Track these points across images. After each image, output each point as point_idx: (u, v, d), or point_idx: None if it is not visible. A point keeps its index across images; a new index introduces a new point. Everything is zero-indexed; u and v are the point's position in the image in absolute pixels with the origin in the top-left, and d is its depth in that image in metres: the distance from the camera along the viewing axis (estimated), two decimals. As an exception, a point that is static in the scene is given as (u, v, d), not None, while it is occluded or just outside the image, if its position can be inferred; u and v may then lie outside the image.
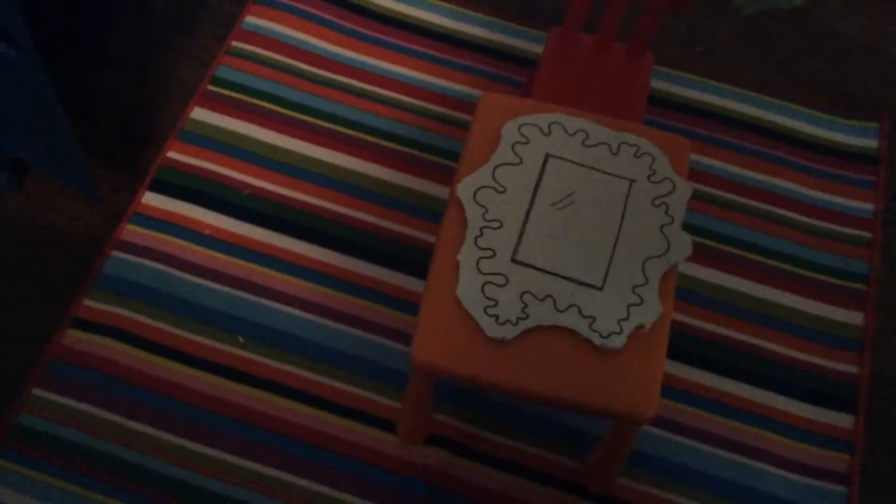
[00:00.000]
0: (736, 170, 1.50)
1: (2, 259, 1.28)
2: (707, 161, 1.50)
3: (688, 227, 1.40)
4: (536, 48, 1.56)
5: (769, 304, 1.39)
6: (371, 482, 1.22)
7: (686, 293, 1.36)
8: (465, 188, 1.13)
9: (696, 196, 1.40)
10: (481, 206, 1.11)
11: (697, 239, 1.40)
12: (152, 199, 1.38)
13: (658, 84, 1.57)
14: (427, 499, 1.19)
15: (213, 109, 1.46)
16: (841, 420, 1.31)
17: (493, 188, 1.13)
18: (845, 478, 1.27)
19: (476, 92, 1.43)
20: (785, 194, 1.48)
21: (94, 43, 1.42)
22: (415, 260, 1.36)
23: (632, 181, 1.14)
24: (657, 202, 1.14)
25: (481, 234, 1.09)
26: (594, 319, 1.05)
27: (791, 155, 1.53)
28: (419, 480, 1.22)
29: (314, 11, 1.55)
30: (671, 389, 1.31)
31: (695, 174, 1.46)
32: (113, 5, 1.42)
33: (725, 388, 1.33)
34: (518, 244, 1.10)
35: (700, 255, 1.39)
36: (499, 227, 1.11)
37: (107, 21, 1.43)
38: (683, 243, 1.11)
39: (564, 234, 1.11)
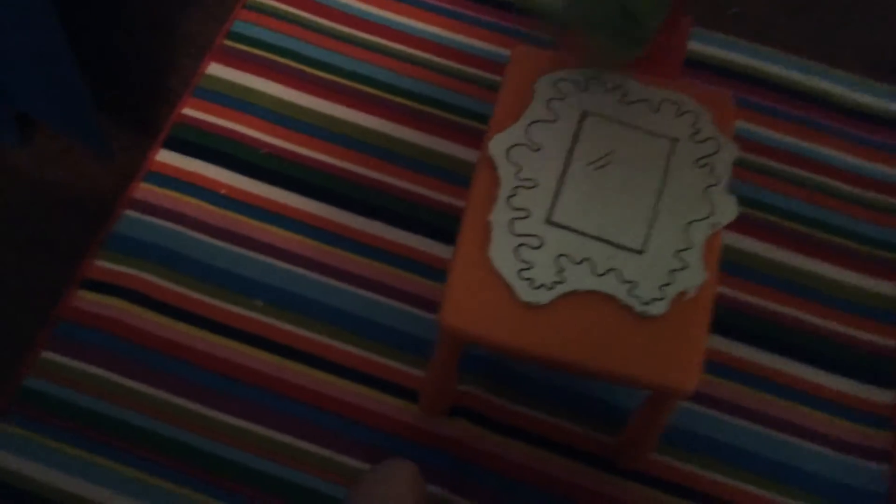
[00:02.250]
0: (777, 136, 1.43)
1: (8, 218, 1.23)
2: (747, 126, 1.43)
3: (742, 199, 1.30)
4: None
5: (812, 275, 1.33)
6: (391, 453, 1.16)
7: (726, 264, 1.29)
8: (497, 145, 1.07)
9: (737, 163, 1.33)
10: (514, 164, 1.05)
11: (745, 210, 1.32)
12: (166, 157, 1.32)
13: (694, 45, 1.50)
14: (451, 471, 1.14)
15: (230, 65, 1.40)
16: (882, 396, 1.24)
17: (527, 146, 1.07)
18: (886, 454, 1.22)
19: (504, 51, 1.36)
20: (828, 162, 1.42)
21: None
22: (441, 224, 1.30)
23: (674, 140, 1.08)
24: (701, 162, 1.08)
25: (514, 194, 1.03)
26: (634, 284, 0.99)
27: (833, 121, 1.46)
28: (443, 452, 1.16)
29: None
30: (709, 363, 1.25)
31: (735, 140, 1.38)
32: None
33: (765, 363, 1.27)
34: (554, 204, 1.03)
35: (740, 223, 1.32)
36: (533, 187, 1.04)
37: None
38: (729, 205, 1.05)
39: (603, 194, 1.05)
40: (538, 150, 1.08)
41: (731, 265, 1.34)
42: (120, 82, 1.34)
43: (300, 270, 1.27)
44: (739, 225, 1.29)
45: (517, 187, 1.05)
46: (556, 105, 1.11)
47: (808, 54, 1.53)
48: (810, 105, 1.47)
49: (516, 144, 1.08)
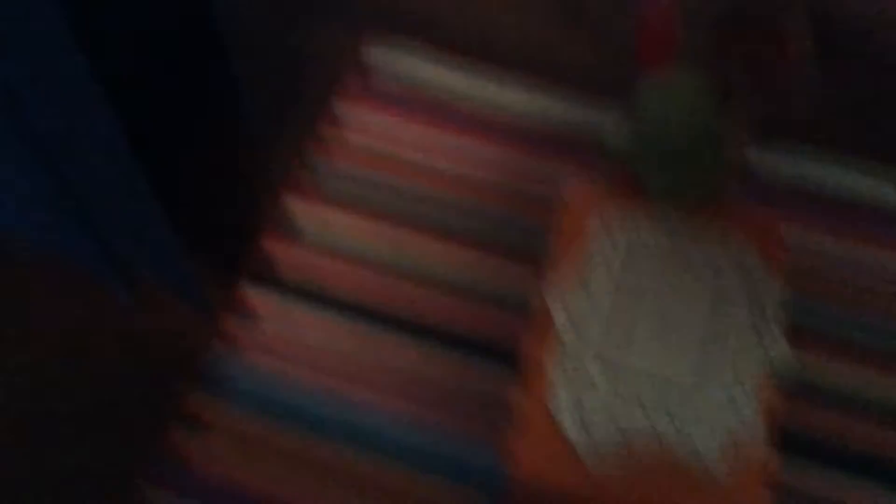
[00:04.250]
0: (829, 245, 1.42)
1: (114, 363, 1.33)
2: (801, 236, 1.42)
3: (798, 313, 1.32)
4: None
5: (872, 388, 1.30)
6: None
7: (797, 385, 1.30)
8: (550, 287, 1.09)
9: (795, 276, 1.34)
10: (567, 305, 1.08)
11: (805, 324, 1.33)
12: (252, 295, 1.39)
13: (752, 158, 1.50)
14: None
15: (308, 200, 1.47)
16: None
17: (580, 284, 1.09)
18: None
19: (563, 169, 1.38)
20: (882, 269, 1.39)
21: (191, 142, 1.47)
22: (506, 352, 1.32)
23: (722, 274, 1.10)
24: (748, 292, 1.10)
25: (569, 334, 1.06)
26: (687, 424, 1.01)
27: (890, 226, 1.43)
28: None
29: (400, 95, 1.57)
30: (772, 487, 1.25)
31: (790, 255, 1.40)
32: (209, 103, 1.45)
33: (836, 484, 1.25)
34: (606, 342, 1.06)
35: (798, 339, 1.32)
36: (586, 326, 1.07)
37: (203, 117, 1.47)
38: (779, 340, 1.07)
39: (653, 330, 1.07)
40: (590, 287, 1.11)
41: (789, 381, 1.31)
42: (209, 225, 1.44)
43: (378, 409, 1.30)
44: (798, 340, 1.28)
45: (571, 326, 1.07)
46: (606, 242, 1.14)
47: (861, 157, 1.51)
48: (864, 210, 1.45)
49: (570, 283, 1.11)
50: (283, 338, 1.36)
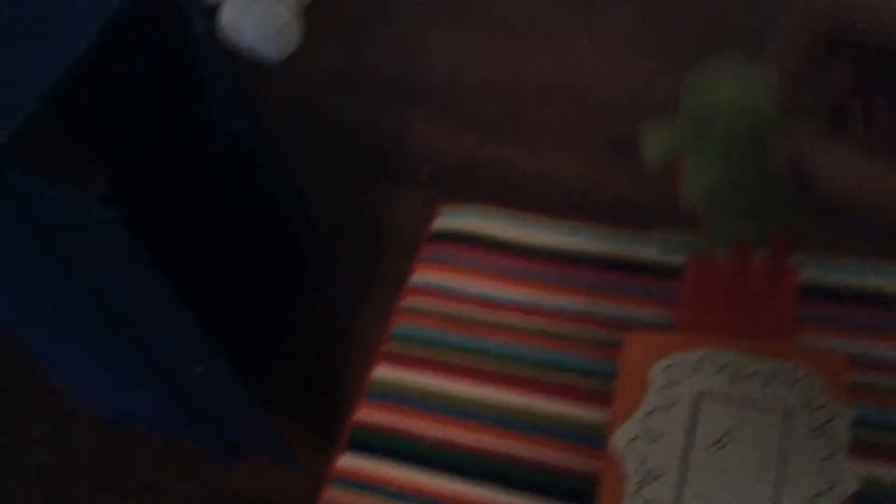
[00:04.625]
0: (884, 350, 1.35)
1: None
2: (872, 348, 1.36)
3: (860, 421, 1.24)
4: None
5: None
6: None
7: (870, 496, 1.26)
8: (618, 439, 1.14)
9: (866, 388, 1.32)
10: (637, 456, 1.12)
11: (873, 433, 1.26)
12: (348, 461, 1.47)
13: (808, 273, 1.46)
14: None
15: (394, 366, 1.56)
16: None
17: (647, 436, 1.14)
18: None
19: (636, 312, 1.43)
20: None
21: (282, 320, 1.60)
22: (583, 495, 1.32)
23: (789, 411, 1.13)
24: (817, 432, 1.12)
25: (641, 487, 1.10)
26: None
27: None
28: None
29: (472, 257, 1.67)
30: None
31: (860, 365, 1.33)
32: (302, 284, 1.59)
33: None
34: (680, 493, 1.09)
35: (879, 451, 1.29)
36: (658, 477, 1.11)
37: (292, 299, 1.60)
38: (851, 475, 1.08)
39: (725, 477, 1.10)
40: (658, 439, 1.15)
41: (877, 496, 1.28)
42: (303, 393, 1.56)
43: None
44: (879, 452, 1.22)
45: (642, 480, 1.12)
46: (670, 391, 1.19)
47: None
48: None
49: (637, 436, 1.15)
50: (381, 500, 1.43)
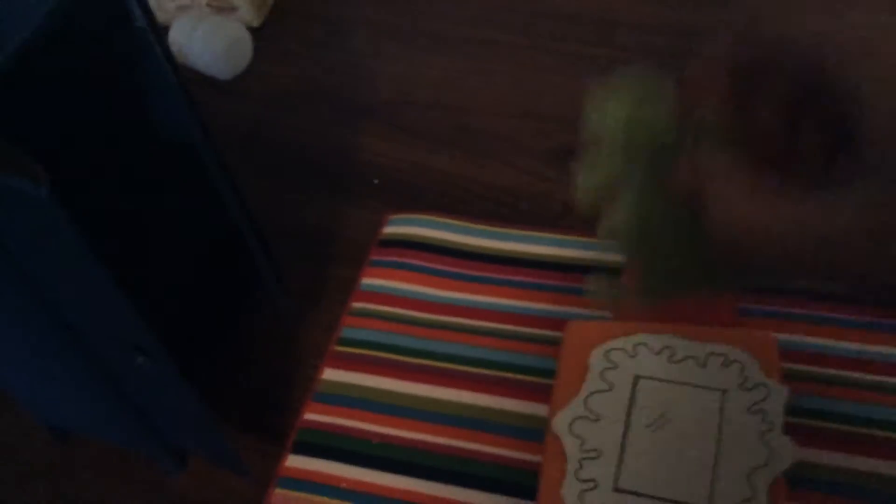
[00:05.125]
0: (831, 342, 1.41)
1: None
2: (807, 339, 1.42)
3: (794, 409, 1.28)
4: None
5: (885, 478, 1.26)
6: None
7: (802, 480, 1.29)
8: (559, 422, 1.16)
9: (796, 376, 1.35)
10: (578, 437, 1.14)
11: (802, 420, 1.31)
12: (295, 461, 1.47)
13: None
14: None
15: (342, 368, 1.58)
16: None
17: (587, 417, 1.16)
18: None
19: (575, 310, 1.45)
20: (882, 360, 1.38)
21: (231, 326, 1.61)
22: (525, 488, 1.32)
23: (724, 391, 1.15)
24: (753, 409, 1.14)
25: (581, 466, 1.11)
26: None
27: (884, 318, 1.43)
28: None
29: (420, 263, 1.70)
30: None
31: (794, 354, 1.38)
32: (247, 292, 1.60)
33: None
34: (619, 471, 1.11)
35: (809, 436, 1.32)
36: (597, 457, 1.12)
37: (240, 305, 1.61)
38: (786, 450, 1.11)
39: (663, 455, 1.12)
40: (598, 419, 1.17)
41: (808, 480, 1.26)
42: (249, 398, 1.56)
43: None
44: (808, 437, 1.26)
45: (583, 459, 1.13)
46: (610, 374, 1.21)
47: None
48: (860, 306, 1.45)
49: (578, 418, 1.17)
50: (324, 502, 1.43)
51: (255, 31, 2.20)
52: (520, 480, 1.43)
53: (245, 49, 2.11)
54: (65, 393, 1.30)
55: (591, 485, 1.13)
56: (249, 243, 1.35)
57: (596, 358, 1.23)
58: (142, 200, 1.29)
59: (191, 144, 1.23)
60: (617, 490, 1.12)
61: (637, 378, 1.21)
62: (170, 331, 1.15)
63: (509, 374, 1.56)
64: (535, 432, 1.50)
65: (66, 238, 0.93)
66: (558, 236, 1.72)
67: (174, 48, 2.05)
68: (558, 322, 1.62)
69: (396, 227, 1.78)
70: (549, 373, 1.57)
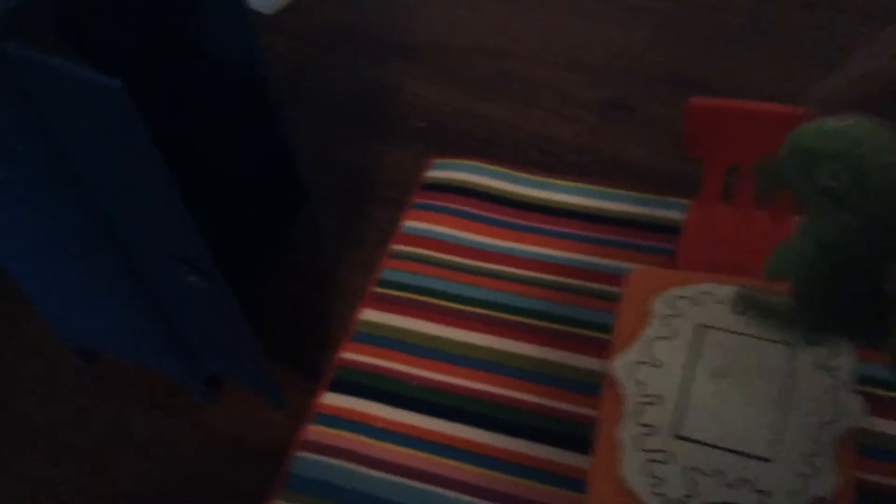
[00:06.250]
0: None
1: (200, 466, 1.38)
2: None
3: (866, 378, 1.26)
4: (680, 216, 1.57)
5: None
6: None
7: (874, 450, 1.27)
8: (619, 365, 1.12)
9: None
10: (638, 382, 1.10)
11: (875, 389, 1.31)
12: (331, 399, 1.44)
13: None
14: None
15: (381, 309, 1.54)
16: None
17: (649, 363, 1.12)
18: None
19: (622, 264, 1.44)
20: None
21: (274, 261, 1.57)
22: (579, 435, 1.33)
23: (792, 345, 1.11)
24: (822, 365, 1.10)
25: (640, 411, 1.08)
26: (767, 494, 1.01)
27: None
28: None
29: (463, 208, 1.65)
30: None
31: None
32: (291, 228, 1.56)
33: None
34: (680, 419, 1.07)
35: (881, 405, 1.29)
36: (658, 403, 1.09)
37: (285, 240, 1.58)
38: (855, 405, 1.07)
39: (727, 405, 1.08)
40: (660, 366, 1.13)
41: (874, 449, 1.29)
42: (292, 335, 1.52)
43: (457, 495, 1.33)
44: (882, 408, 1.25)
45: (642, 404, 1.09)
46: (673, 321, 1.17)
47: None
48: None
49: (638, 362, 1.13)
50: (362, 441, 1.40)
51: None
52: (563, 430, 1.40)
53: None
54: (104, 311, 1.27)
55: (651, 430, 1.09)
56: (297, 169, 1.31)
57: (659, 304, 1.19)
58: (201, 113, 1.25)
59: (248, 62, 1.19)
60: (677, 437, 1.08)
61: (702, 327, 1.17)
62: (219, 253, 1.11)
63: (551, 325, 1.53)
64: (578, 383, 1.47)
65: (134, 133, 0.90)
66: (605, 189, 1.67)
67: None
68: (603, 275, 1.58)
69: (440, 172, 1.74)
70: (594, 325, 1.54)
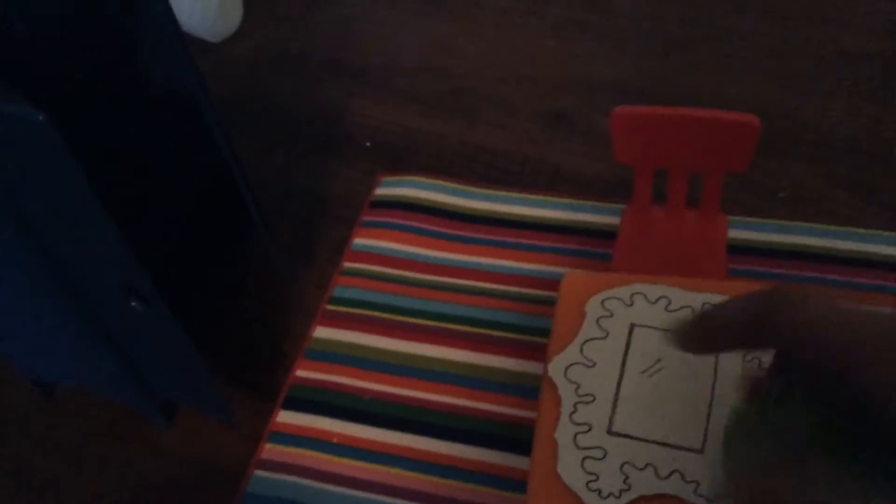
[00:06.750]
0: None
1: (163, 492, 1.39)
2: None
3: None
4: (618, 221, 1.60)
5: None
6: None
7: None
8: (555, 367, 1.16)
9: None
10: (573, 382, 1.14)
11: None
12: (286, 417, 1.47)
13: (743, 234, 1.58)
14: None
15: (333, 326, 1.57)
16: None
17: (583, 364, 1.16)
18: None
19: (565, 270, 1.46)
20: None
21: (226, 281, 1.60)
22: (525, 438, 1.32)
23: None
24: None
25: (575, 410, 1.12)
26: (698, 484, 1.04)
27: (891, 282, 1.47)
28: None
29: (410, 223, 1.70)
30: None
31: None
32: (243, 248, 1.60)
33: None
34: (613, 416, 1.11)
35: None
36: (592, 401, 1.13)
37: (238, 260, 1.61)
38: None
39: (658, 400, 1.12)
40: (593, 365, 1.17)
41: None
42: (242, 353, 1.54)
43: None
44: None
45: (577, 403, 1.13)
46: (605, 322, 1.21)
47: (865, 224, 1.57)
48: (865, 270, 1.49)
49: (573, 363, 1.17)
50: (317, 457, 1.42)
51: (244, -6, 2.18)
52: (511, 435, 1.43)
53: (235, 10, 2.09)
54: (53, 341, 1.29)
55: (585, 428, 1.13)
56: (241, 191, 1.34)
57: (592, 306, 1.23)
58: (137, 143, 1.28)
59: (186, 89, 1.21)
60: (610, 433, 1.12)
61: (633, 326, 1.21)
62: (163, 278, 1.13)
63: (499, 333, 1.56)
64: (525, 389, 1.50)
65: (63, 167, 0.92)
66: (550, 198, 1.72)
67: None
68: (549, 282, 1.62)
69: (388, 189, 1.77)
70: (539, 331, 1.58)
